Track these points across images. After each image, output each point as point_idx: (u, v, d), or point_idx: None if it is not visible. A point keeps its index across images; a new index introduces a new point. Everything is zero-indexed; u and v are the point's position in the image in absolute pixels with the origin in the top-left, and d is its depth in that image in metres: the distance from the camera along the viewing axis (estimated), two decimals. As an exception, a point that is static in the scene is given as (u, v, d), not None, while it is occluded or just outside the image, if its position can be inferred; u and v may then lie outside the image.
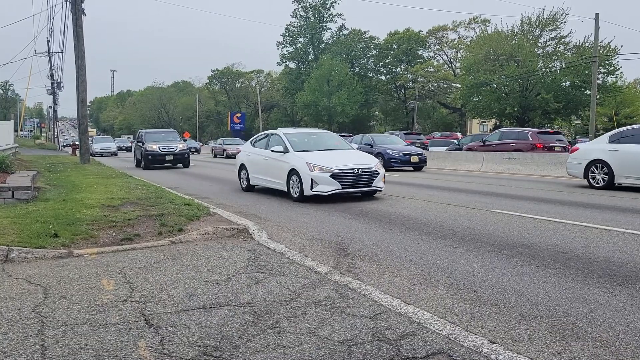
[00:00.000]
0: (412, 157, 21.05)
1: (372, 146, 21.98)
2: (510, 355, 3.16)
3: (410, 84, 73.52)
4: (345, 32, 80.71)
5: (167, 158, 23.49)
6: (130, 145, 58.74)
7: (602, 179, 12.72)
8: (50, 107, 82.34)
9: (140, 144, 24.40)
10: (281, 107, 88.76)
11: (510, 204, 10.03)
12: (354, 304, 4.09)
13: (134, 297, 4.25)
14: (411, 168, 21.45)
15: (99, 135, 51.67)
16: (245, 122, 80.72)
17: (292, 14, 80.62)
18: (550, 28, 47.80)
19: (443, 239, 6.76)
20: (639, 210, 9.09)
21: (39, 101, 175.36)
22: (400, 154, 21.00)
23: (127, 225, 7.05)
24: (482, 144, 23.71)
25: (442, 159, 24.15)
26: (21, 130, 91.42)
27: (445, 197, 11.23)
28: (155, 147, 23.44)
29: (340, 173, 10.34)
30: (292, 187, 10.86)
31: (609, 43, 41.86)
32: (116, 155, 42.59)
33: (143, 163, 23.57)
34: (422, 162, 21.42)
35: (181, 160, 24.06)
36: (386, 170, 18.17)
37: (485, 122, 63.04)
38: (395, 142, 23.05)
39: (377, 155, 20.05)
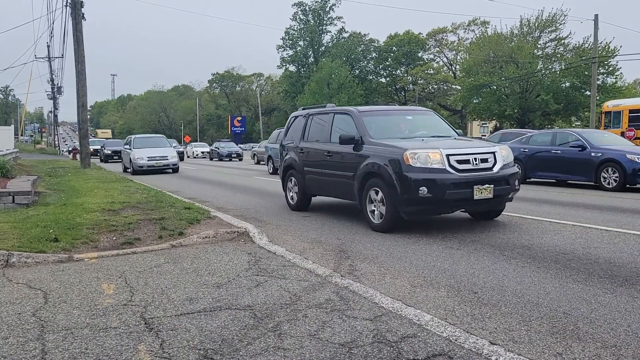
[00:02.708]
0: None
1: (584, 149, 13.49)
2: (511, 356, 3.16)
3: (411, 86, 73.58)
4: (345, 35, 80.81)
5: (477, 196, 7.00)
6: (182, 150, 39.22)
7: None
8: (50, 111, 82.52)
9: (351, 150, 8.15)
10: (282, 110, 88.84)
11: (511, 205, 10.01)
12: (354, 306, 4.09)
13: (135, 301, 4.25)
14: None
15: (142, 136, 27.64)
16: (245, 126, 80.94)
17: (291, 18, 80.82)
18: (550, 29, 47.86)
19: (443, 240, 6.75)
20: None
21: (40, 106, 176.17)
22: None
23: (127, 229, 7.04)
24: None
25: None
26: (22, 135, 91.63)
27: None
28: (456, 162, 7.14)
29: None
30: None
31: (608, 44, 41.89)
32: (177, 170, 23.28)
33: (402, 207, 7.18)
34: None
35: (498, 201, 7.54)
36: (625, 188, 12.43)
37: (485, 123, 63.04)
38: (619, 142, 14.33)
39: (606, 162, 12.88)
